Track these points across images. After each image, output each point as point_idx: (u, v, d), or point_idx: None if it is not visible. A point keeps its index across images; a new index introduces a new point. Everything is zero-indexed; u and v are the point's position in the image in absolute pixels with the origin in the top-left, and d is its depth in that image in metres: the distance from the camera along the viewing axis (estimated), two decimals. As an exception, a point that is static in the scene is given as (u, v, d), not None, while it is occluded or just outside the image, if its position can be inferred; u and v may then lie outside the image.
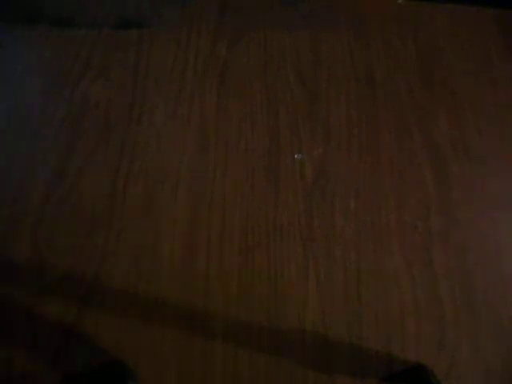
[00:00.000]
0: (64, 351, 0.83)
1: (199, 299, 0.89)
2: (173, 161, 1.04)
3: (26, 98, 1.10)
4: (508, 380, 0.86)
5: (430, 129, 1.12)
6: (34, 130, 1.05)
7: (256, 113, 1.11)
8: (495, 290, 0.94)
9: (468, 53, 1.25)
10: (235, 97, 1.13)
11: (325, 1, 1.32)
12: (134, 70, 1.16)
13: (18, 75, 1.13)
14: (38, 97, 1.10)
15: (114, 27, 1.22)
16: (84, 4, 1.26)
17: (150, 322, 0.86)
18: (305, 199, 1.01)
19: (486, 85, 1.20)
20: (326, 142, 1.08)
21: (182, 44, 1.21)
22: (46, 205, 0.96)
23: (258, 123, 1.10)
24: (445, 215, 1.01)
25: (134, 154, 1.04)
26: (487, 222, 1.01)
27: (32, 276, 0.89)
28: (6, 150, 1.03)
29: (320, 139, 1.09)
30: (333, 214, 0.99)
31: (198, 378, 0.83)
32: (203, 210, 0.98)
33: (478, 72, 1.22)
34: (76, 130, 1.06)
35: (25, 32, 1.20)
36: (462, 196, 1.03)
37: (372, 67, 1.20)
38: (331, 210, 1.00)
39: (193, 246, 0.94)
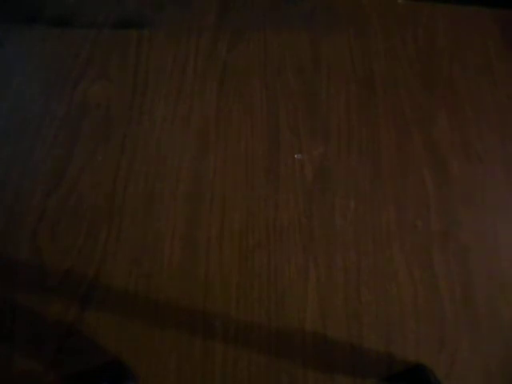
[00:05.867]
0: (64, 351, 0.83)
1: (199, 299, 0.89)
2: (173, 161, 1.03)
3: (26, 98, 1.10)
4: (508, 380, 0.86)
5: (430, 129, 1.12)
6: (34, 130, 1.05)
7: (256, 113, 1.11)
8: (495, 289, 0.94)
9: (468, 53, 1.25)
10: (235, 97, 1.13)
11: (325, 1, 1.32)
12: (134, 69, 1.16)
13: (17, 75, 1.13)
14: (38, 97, 1.10)
15: (114, 27, 1.22)
16: (84, 4, 1.26)
17: (150, 322, 0.87)
18: (305, 199, 1.01)
19: (485, 85, 1.20)
20: (326, 142, 1.08)
21: (182, 44, 1.21)
22: (45, 205, 0.96)
23: (257, 123, 1.10)
24: (445, 215, 1.01)
25: (134, 154, 1.04)
26: (487, 221, 1.01)
27: (32, 276, 0.89)
28: (6, 149, 1.03)
29: (320, 139, 1.09)
30: (333, 214, 0.99)
31: (197, 378, 0.83)
32: (203, 210, 0.98)
33: (478, 72, 1.22)
34: (76, 130, 1.06)
35: (25, 32, 1.20)
36: (462, 196, 1.03)
37: (372, 67, 1.20)
38: (331, 210, 1.00)
39: (193, 246, 0.94)
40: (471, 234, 0.99)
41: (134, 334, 0.85)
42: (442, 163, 1.07)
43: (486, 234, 0.99)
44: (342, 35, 1.25)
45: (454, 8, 1.33)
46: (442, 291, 0.93)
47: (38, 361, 0.82)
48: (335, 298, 0.91)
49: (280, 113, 1.12)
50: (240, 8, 1.29)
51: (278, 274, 0.92)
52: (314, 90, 1.16)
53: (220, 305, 0.89)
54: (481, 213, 1.02)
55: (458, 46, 1.26)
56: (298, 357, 0.86)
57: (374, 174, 1.05)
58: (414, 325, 0.89)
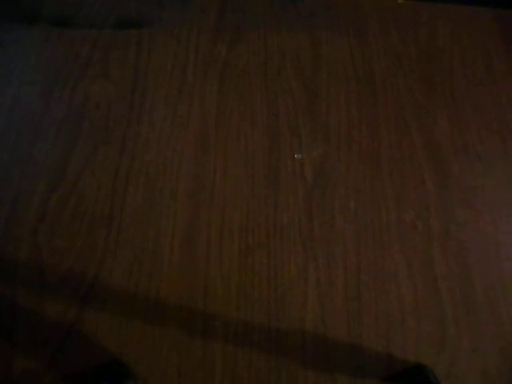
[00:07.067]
0: (64, 351, 0.83)
1: (199, 299, 0.89)
2: (173, 161, 1.04)
3: (26, 98, 1.10)
4: (508, 380, 0.86)
5: (430, 129, 1.12)
6: (34, 130, 1.05)
7: (256, 113, 1.11)
8: (495, 289, 0.94)
9: (468, 53, 1.25)
10: (235, 97, 1.13)
11: (325, 1, 1.32)
12: (134, 70, 1.16)
13: (17, 75, 1.13)
14: (38, 97, 1.10)
15: (114, 27, 1.22)
16: (84, 4, 1.26)
17: (150, 322, 0.87)
18: (305, 199, 1.01)
19: (486, 85, 1.20)
20: (326, 142, 1.08)
21: (182, 44, 1.21)
22: (46, 205, 0.96)
23: (257, 123, 1.10)
24: (445, 215, 1.01)
25: (133, 154, 1.04)
26: (487, 221, 1.01)
27: (32, 276, 0.89)
28: (6, 150, 1.03)
29: (320, 139, 1.09)
30: (333, 214, 0.99)
31: (198, 378, 0.83)
32: (203, 210, 0.98)
33: (478, 72, 1.22)
34: (76, 130, 1.06)
35: (25, 32, 1.20)
36: (462, 196, 1.03)
37: (372, 67, 1.20)
38: (331, 210, 1.00)
39: (193, 246, 0.94)
40: (471, 234, 0.99)
41: (134, 334, 0.85)
42: (442, 163, 1.07)
43: (486, 234, 0.99)
44: (342, 35, 1.25)
45: (454, 8, 1.33)
46: (441, 291, 0.93)
47: (37, 361, 0.82)
48: (335, 297, 0.91)
49: (280, 113, 1.12)
50: (240, 8, 1.29)
51: (278, 274, 0.92)
52: (314, 89, 1.16)
53: (220, 305, 0.89)
54: (481, 213, 1.02)
55: (458, 46, 1.26)
56: (298, 357, 0.86)
57: (374, 173, 1.05)
58: (414, 324, 0.89)
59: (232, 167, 1.04)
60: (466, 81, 1.20)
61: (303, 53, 1.21)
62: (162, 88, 1.13)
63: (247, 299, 0.90)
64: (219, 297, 0.90)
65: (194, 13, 1.26)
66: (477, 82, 1.20)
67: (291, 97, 1.14)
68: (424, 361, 0.86)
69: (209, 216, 0.97)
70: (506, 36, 1.28)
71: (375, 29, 1.27)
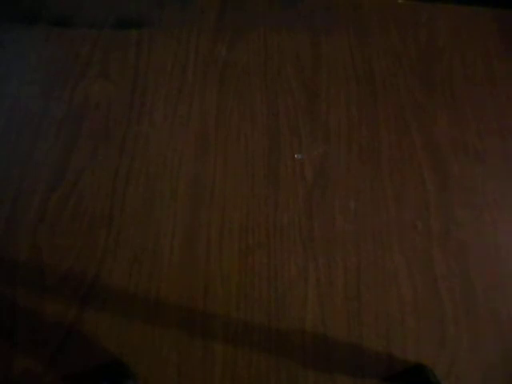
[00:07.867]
0: (64, 351, 0.83)
1: (199, 299, 0.89)
2: (173, 161, 1.04)
3: (26, 98, 1.10)
4: (508, 379, 0.86)
5: (430, 129, 1.12)
6: (34, 130, 1.05)
7: (256, 113, 1.11)
8: (495, 289, 0.94)
9: (468, 53, 1.25)
10: (235, 97, 1.13)
11: (325, 1, 1.32)
12: (134, 70, 1.16)
13: (17, 75, 1.13)
14: (38, 97, 1.10)
15: (114, 27, 1.22)
16: (84, 4, 1.26)
17: (150, 322, 0.87)
18: (305, 199, 1.01)
19: (485, 85, 1.20)
20: (326, 141, 1.08)
21: (182, 44, 1.21)
22: (46, 205, 0.96)
23: (258, 123, 1.10)
24: (445, 215, 1.01)
25: (134, 154, 1.04)
26: (487, 221, 1.01)
27: (32, 276, 0.89)
28: (6, 149, 1.03)
29: (320, 139, 1.09)
30: (333, 214, 0.99)
31: (198, 378, 0.83)
32: (203, 210, 0.98)
33: (478, 72, 1.22)
34: (76, 130, 1.06)
35: (25, 32, 1.20)
36: (462, 196, 1.03)
37: (372, 67, 1.20)
38: (331, 210, 1.00)
39: (193, 246, 0.94)
40: (471, 234, 0.99)
41: (134, 334, 0.85)
42: (442, 163, 1.07)
43: (486, 234, 0.99)
44: (342, 35, 1.25)
45: (454, 8, 1.33)
46: (441, 291, 0.93)
47: (37, 361, 0.82)
48: (335, 297, 0.91)
49: (280, 113, 1.12)
50: (240, 8, 1.29)
51: (278, 274, 0.92)
52: (314, 89, 1.16)
53: (220, 305, 0.89)
54: (481, 212, 1.02)
55: (458, 47, 1.26)
56: (298, 357, 0.86)
57: (374, 173, 1.05)
58: (414, 324, 0.89)
59: (232, 167, 1.04)
60: (465, 81, 1.20)
61: (303, 53, 1.21)
62: (162, 88, 1.13)
63: (247, 299, 0.90)
64: (219, 297, 0.90)
65: (193, 13, 1.26)
66: (477, 81, 1.20)
67: (291, 97, 1.14)
68: (424, 361, 0.86)
69: (209, 216, 0.97)
70: (506, 36, 1.28)
71: (375, 29, 1.27)
